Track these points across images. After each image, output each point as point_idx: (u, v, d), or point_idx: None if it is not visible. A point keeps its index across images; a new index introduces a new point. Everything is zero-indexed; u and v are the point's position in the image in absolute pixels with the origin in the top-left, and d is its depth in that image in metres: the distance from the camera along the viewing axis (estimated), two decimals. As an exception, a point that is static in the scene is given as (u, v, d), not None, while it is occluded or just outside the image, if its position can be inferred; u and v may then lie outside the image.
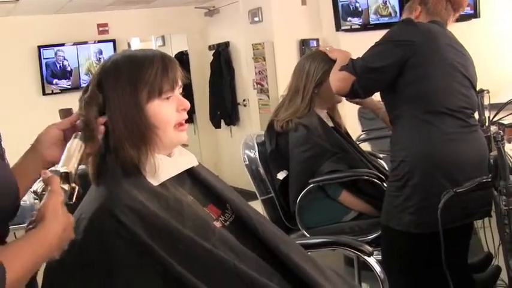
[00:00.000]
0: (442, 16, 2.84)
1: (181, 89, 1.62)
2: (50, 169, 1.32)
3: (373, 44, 2.79)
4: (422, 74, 2.66)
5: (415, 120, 2.71)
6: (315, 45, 6.14)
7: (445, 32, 2.82)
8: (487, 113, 3.04)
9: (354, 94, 2.85)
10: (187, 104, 1.61)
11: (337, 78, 2.86)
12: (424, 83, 2.66)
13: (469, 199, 2.49)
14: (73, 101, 1.67)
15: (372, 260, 2.14)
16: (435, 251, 2.57)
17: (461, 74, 2.74)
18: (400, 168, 2.75)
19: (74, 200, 1.33)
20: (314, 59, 3.28)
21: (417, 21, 2.78)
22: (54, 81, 7.03)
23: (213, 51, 7.61)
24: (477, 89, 3.00)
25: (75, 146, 1.46)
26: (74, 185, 1.33)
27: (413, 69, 2.66)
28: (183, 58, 7.95)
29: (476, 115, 3.10)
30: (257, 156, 3.34)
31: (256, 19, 6.38)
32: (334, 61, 3.12)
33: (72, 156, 1.41)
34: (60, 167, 1.34)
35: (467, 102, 2.73)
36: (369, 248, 2.12)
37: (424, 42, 2.68)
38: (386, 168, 3.53)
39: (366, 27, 5.77)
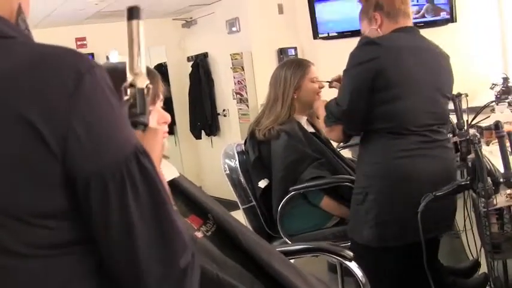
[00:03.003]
0: (404, 11, 2.71)
1: (161, 102, 1.62)
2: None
3: (343, 72, 2.73)
4: (390, 96, 2.59)
5: (378, 137, 2.68)
6: (293, 53, 6.16)
7: (414, 39, 2.73)
8: (465, 117, 3.05)
9: (351, 136, 2.90)
10: (168, 117, 1.62)
11: (328, 131, 2.88)
12: (391, 105, 2.60)
13: (430, 214, 2.44)
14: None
15: (353, 265, 2.14)
16: (399, 264, 2.58)
17: (431, 88, 2.68)
18: (361, 182, 2.77)
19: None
20: (289, 66, 3.33)
21: (380, 38, 2.66)
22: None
23: (191, 62, 7.59)
24: (454, 92, 3.00)
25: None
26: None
27: (381, 91, 2.58)
28: (162, 70, 7.90)
29: (454, 119, 3.12)
30: (237, 165, 3.34)
31: (234, 29, 6.39)
32: (308, 65, 3.27)
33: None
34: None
35: (434, 119, 2.68)
36: (349, 253, 2.13)
37: (390, 63, 2.58)
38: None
39: (343, 34, 5.79)
